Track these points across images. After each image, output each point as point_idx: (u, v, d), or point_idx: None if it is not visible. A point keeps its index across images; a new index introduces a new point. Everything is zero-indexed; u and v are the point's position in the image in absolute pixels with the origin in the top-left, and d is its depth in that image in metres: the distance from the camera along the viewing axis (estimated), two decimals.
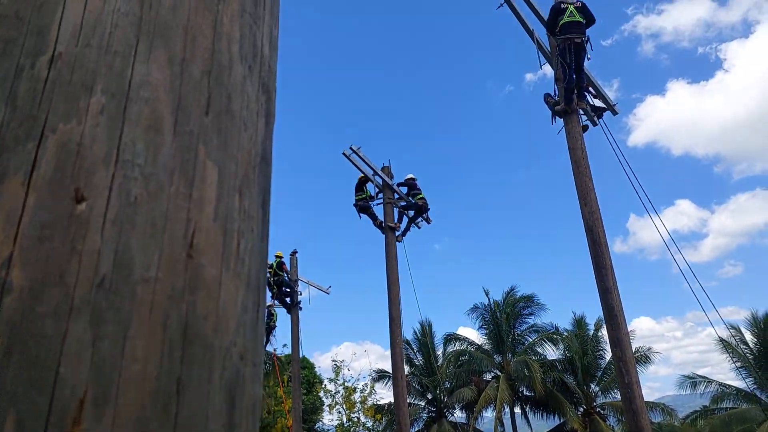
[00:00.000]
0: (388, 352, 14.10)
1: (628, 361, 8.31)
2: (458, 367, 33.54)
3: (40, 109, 0.56)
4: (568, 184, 9.63)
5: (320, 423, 36.50)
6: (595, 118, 10.40)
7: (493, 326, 34.17)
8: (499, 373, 33.08)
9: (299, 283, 21.13)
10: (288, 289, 20.69)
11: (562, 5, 9.67)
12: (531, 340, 34.10)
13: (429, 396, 34.83)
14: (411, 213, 15.66)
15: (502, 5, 10.30)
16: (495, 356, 34.15)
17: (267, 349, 23.76)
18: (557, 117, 9.91)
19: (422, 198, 15.52)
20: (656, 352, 33.80)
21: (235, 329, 0.59)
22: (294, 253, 21.74)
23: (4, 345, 0.48)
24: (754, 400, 29.86)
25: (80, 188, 0.53)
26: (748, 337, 32.86)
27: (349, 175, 15.70)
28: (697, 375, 32.98)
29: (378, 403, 32.10)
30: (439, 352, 36.24)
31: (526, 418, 32.82)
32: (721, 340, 30.61)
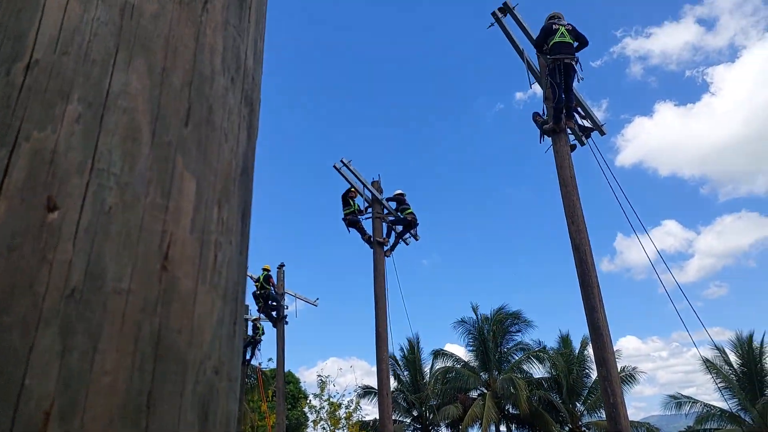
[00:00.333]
0: (375, 368, 14.02)
1: (613, 381, 8.31)
2: (445, 384, 33.39)
3: (14, 116, 0.55)
4: (557, 202, 9.69)
5: None
6: (583, 138, 10.50)
7: (479, 343, 34.10)
8: (485, 391, 32.94)
9: (286, 296, 21.01)
10: (274, 303, 20.55)
11: (554, 26, 9.80)
12: (517, 357, 34.05)
13: (415, 413, 34.59)
14: (399, 228, 15.66)
15: (493, 24, 10.42)
16: (481, 373, 34.04)
17: (252, 363, 23.50)
18: (546, 136, 10.00)
19: (411, 213, 15.53)
20: (642, 372, 33.86)
21: (210, 343, 0.58)
22: (281, 266, 21.63)
23: None
24: (738, 421, 29.93)
25: (53, 197, 0.52)
26: (733, 358, 33.04)
27: (339, 188, 15.70)
28: (682, 395, 33.06)
29: (363, 419, 31.81)
30: (427, 368, 36.09)
31: None
32: (706, 360, 30.76)
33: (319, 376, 31.97)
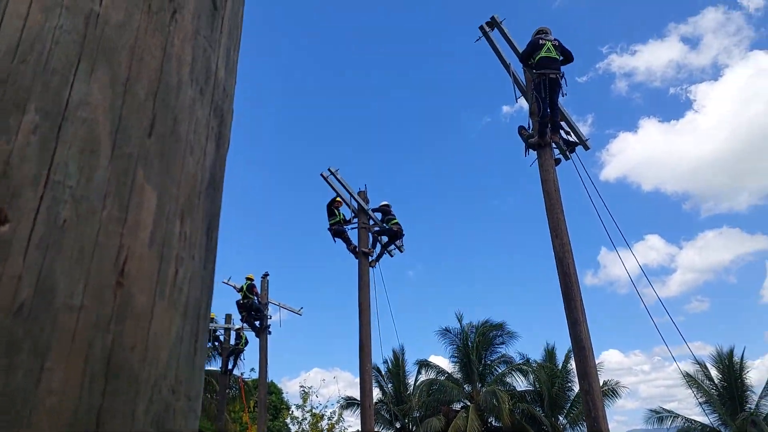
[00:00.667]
0: (358, 380, 13.93)
1: (595, 395, 8.33)
2: (428, 396, 33.26)
3: None
4: (542, 215, 9.74)
5: None
6: (568, 153, 10.59)
7: (463, 355, 34.05)
8: (469, 403, 32.87)
9: (270, 306, 20.85)
10: (258, 313, 20.39)
11: (540, 41, 9.91)
12: (501, 370, 34.04)
13: (398, 425, 34.38)
14: (385, 239, 15.63)
15: (480, 38, 10.51)
16: (465, 386, 33.97)
17: (234, 372, 23.26)
18: (531, 149, 10.07)
19: (397, 224, 15.52)
20: (624, 387, 33.98)
21: (167, 361, 0.57)
22: (265, 275, 21.49)
23: None
24: None
25: (4, 209, 0.50)
26: (714, 373, 33.32)
27: (325, 197, 15.66)
28: (664, 409, 33.24)
29: (346, 431, 31.53)
30: (411, 379, 35.94)
31: None
32: (687, 375, 30.98)
33: (301, 386, 31.71)
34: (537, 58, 9.80)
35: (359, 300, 14.37)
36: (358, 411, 18.82)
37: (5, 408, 0.45)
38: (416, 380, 35.68)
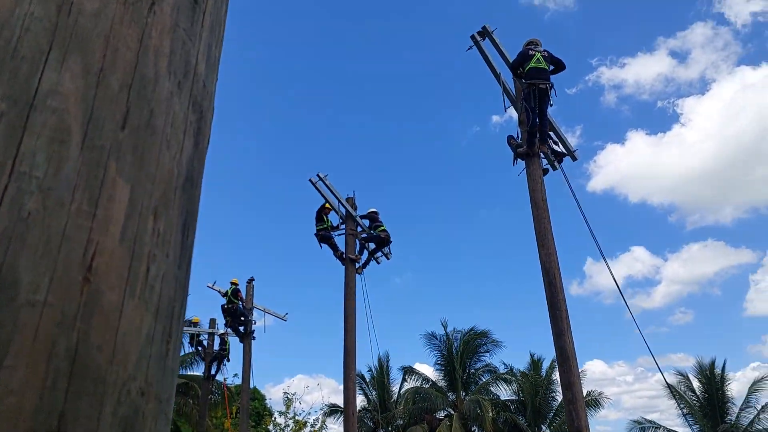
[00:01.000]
0: (342, 387, 13.86)
1: (578, 405, 8.35)
2: (413, 404, 33.16)
3: None
4: (529, 224, 9.78)
5: None
6: (556, 163, 10.66)
7: (447, 362, 34.02)
8: (452, 412, 32.82)
9: (255, 311, 20.70)
10: (242, 318, 20.22)
11: (530, 52, 9.97)
12: (485, 379, 34.05)
13: None
14: (372, 246, 15.61)
15: (471, 47, 10.56)
16: (449, 394, 33.93)
17: (217, 378, 23.04)
18: (519, 159, 10.12)
19: (384, 231, 15.50)
20: (607, 398, 34.12)
21: (136, 362, 0.55)
22: (251, 280, 21.34)
23: None
24: None
25: None
26: (696, 384, 33.57)
27: (313, 202, 15.65)
28: (646, 420, 33.40)
29: None
30: (395, 387, 35.83)
31: None
32: (669, 386, 31.18)
33: (285, 393, 31.49)
34: (526, 68, 9.87)
35: (345, 306, 14.32)
36: (342, 418, 18.72)
37: None
38: (401, 387, 35.61)
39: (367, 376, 35.58)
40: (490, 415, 29.48)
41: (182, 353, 32.14)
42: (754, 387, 33.15)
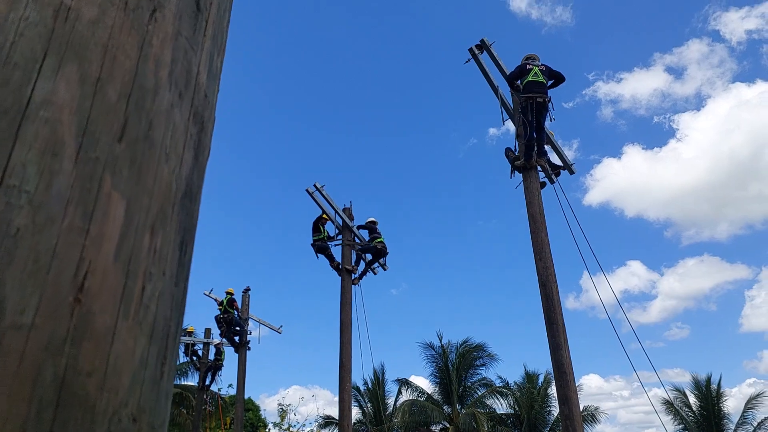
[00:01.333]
0: (337, 398, 13.74)
1: (575, 420, 8.29)
2: (409, 416, 32.95)
3: None
4: (526, 237, 9.78)
5: None
6: (553, 176, 10.66)
7: (444, 375, 33.86)
8: (448, 425, 32.61)
9: (250, 321, 20.59)
10: (237, 328, 20.11)
11: (527, 66, 10.01)
12: (481, 393, 33.87)
13: None
14: (369, 256, 15.55)
15: (469, 60, 10.59)
16: (444, 407, 33.72)
17: (212, 388, 22.85)
18: (516, 172, 10.13)
19: (381, 242, 15.45)
20: (603, 412, 34.00)
21: (128, 387, 0.51)
22: (246, 290, 21.25)
23: None
24: None
25: None
26: (692, 400, 33.49)
27: (309, 212, 15.61)
28: None
29: None
30: (390, 399, 35.61)
31: None
32: (666, 401, 31.10)
33: (280, 404, 31.31)
34: (524, 82, 9.90)
35: (341, 317, 14.24)
36: (337, 430, 18.52)
37: None
38: (396, 400, 35.39)
39: (363, 388, 35.37)
40: (486, 429, 29.30)
41: (177, 363, 31.91)
42: (751, 403, 33.08)
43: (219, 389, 24.14)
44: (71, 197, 0.50)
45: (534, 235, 9.44)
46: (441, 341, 34.85)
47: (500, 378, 34.63)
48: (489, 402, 33.43)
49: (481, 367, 34.62)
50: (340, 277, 14.81)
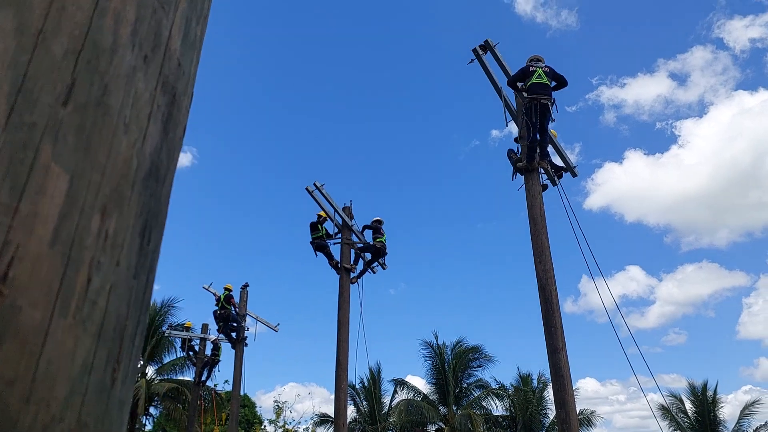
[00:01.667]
0: (333, 396, 13.68)
1: (572, 424, 8.21)
2: (405, 416, 32.88)
3: None
4: (525, 240, 9.70)
5: None
6: (555, 179, 10.58)
7: (440, 375, 33.79)
8: (443, 426, 32.55)
9: (248, 318, 20.51)
10: (235, 324, 20.04)
11: (531, 68, 9.92)
12: (477, 394, 33.82)
13: None
14: (368, 256, 15.48)
15: (473, 61, 10.48)
16: (440, 407, 33.65)
17: (208, 384, 22.78)
18: (519, 173, 10.04)
19: (381, 241, 15.38)
20: (599, 416, 33.96)
21: (64, 399, 0.43)
22: (245, 286, 21.17)
23: None
24: None
25: None
26: (688, 405, 33.44)
27: (310, 210, 15.51)
28: None
29: None
30: (386, 399, 35.54)
31: None
32: (662, 407, 31.04)
33: (276, 401, 31.18)
34: (528, 83, 9.82)
35: (338, 316, 14.17)
36: (332, 428, 18.47)
37: None
38: (392, 399, 35.33)
39: (359, 387, 35.30)
40: (481, 430, 29.24)
41: (174, 357, 31.79)
42: (746, 411, 33.04)
43: (215, 385, 24.04)
44: None
45: (534, 238, 9.36)
46: (437, 341, 34.81)
47: (495, 380, 34.60)
48: (484, 403, 33.37)
49: (477, 369, 34.58)
50: (338, 276, 14.73)
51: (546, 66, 10.06)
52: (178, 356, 30.95)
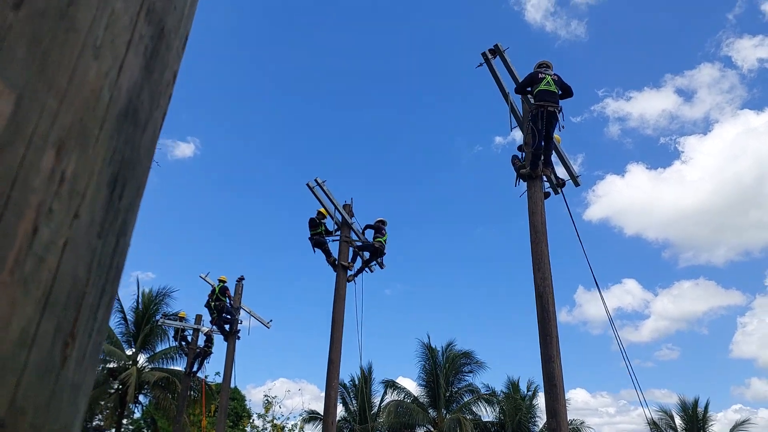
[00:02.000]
0: (324, 394, 13.58)
1: None
2: (394, 417, 32.79)
3: None
4: (523, 248, 9.62)
5: None
6: (558, 187, 10.49)
7: (431, 378, 33.71)
8: (432, 429, 32.46)
9: (241, 311, 20.39)
10: (228, 316, 19.92)
11: (539, 75, 9.83)
12: (467, 399, 33.74)
13: None
14: (367, 254, 15.39)
15: (481, 65, 10.38)
16: (430, 410, 33.56)
17: (199, 375, 22.64)
18: (521, 180, 9.95)
19: (380, 241, 15.29)
20: (588, 427, 33.92)
21: None
22: (240, 279, 21.06)
23: None
24: None
25: None
26: (678, 422, 33.40)
27: (309, 206, 15.41)
28: None
29: None
30: (376, 399, 35.45)
31: None
32: (652, 422, 30.96)
33: (266, 395, 31.08)
34: (536, 91, 9.72)
35: (333, 313, 14.08)
36: (321, 426, 18.37)
37: None
38: (382, 400, 35.23)
39: (350, 386, 35.21)
40: None
41: (166, 347, 31.65)
42: (736, 430, 32.99)
43: (206, 376, 23.93)
44: None
45: (534, 246, 9.26)
46: (429, 343, 34.76)
47: (485, 385, 34.52)
48: (474, 408, 33.28)
49: (468, 374, 34.50)
50: (335, 273, 14.64)
51: (555, 74, 9.96)
52: (171, 345, 30.83)
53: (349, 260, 14.89)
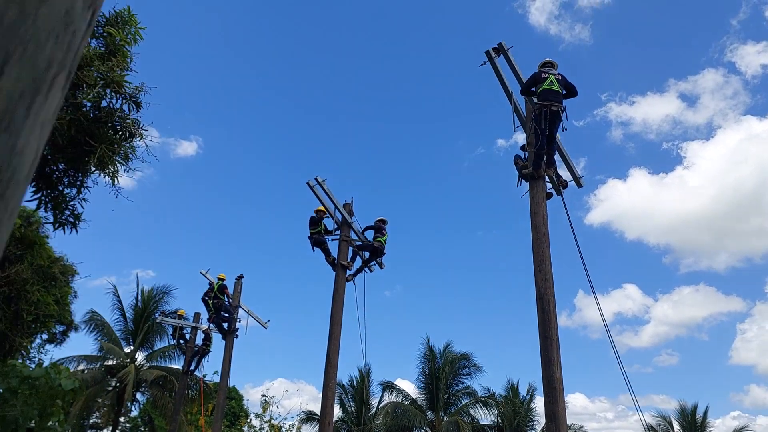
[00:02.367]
0: (321, 395, 13.52)
1: None
2: (391, 419, 32.73)
3: None
4: (524, 252, 9.59)
5: None
6: (560, 188, 10.42)
7: (430, 380, 33.65)
8: (429, 431, 32.40)
9: (240, 310, 20.33)
10: (227, 314, 19.85)
11: (543, 74, 9.77)
12: (465, 402, 33.66)
13: None
14: (366, 254, 15.32)
15: (485, 63, 10.31)
16: (428, 413, 33.50)
17: (196, 373, 22.56)
18: (524, 180, 9.88)
19: (380, 241, 15.22)
20: None
21: None
22: (240, 277, 20.98)
23: None
24: None
25: None
26: (676, 427, 33.31)
27: (309, 206, 15.32)
28: None
29: None
30: (374, 400, 35.38)
31: None
32: (649, 427, 30.87)
33: (263, 395, 31.02)
34: (539, 89, 9.67)
35: (332, 313, 14.01)
36: (318, 427, 18.35)
37: None
38: (380, 402, 35.16)
39: (348, 387, 35.14)
40: None
41: (164, 345, 31.59)
42: None
43: (204, 375, 23.85)
44: None
45: (536, 246, 9.20)
46: (428, 345, 34.70)
47: (483, 388, 34.47)
48: (472, 411, 33.21)
49: (466, 377, 34.45)
50: (334, 273, 14.58)
51: (559, 74, 9.90)
52: (170, 344, 30.78)
53: (349, 260, 14.82)
